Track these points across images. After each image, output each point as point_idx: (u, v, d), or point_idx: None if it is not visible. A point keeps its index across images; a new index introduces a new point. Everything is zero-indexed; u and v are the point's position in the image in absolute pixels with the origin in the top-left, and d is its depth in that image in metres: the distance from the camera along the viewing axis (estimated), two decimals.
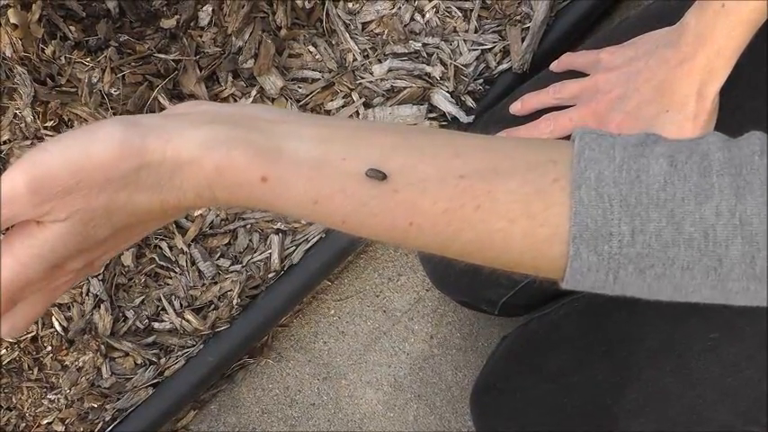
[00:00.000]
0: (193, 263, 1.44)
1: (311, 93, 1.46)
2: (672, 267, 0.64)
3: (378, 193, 0.68)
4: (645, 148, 0.67)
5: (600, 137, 0.68)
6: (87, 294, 1.42)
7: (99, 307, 1.42)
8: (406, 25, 1.48)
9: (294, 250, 1.45)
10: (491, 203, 0.67)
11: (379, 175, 0.67)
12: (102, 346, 1.42)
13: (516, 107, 1.24)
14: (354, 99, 1.45)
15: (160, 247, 1.44)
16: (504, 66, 1.47)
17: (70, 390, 1.43)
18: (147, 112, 1.40)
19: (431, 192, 0.68)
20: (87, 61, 1.41)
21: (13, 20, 1.37)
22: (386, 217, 0.68)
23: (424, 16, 1.49)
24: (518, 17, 1.48)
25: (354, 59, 1.47)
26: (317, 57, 1.48)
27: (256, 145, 0.69)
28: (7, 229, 0.68)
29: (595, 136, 0.68)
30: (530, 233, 0.66)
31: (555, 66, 1.25)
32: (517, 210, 0.66)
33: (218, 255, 1.46)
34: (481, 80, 1.47)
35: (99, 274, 1.41)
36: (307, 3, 1.46)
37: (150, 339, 1.44)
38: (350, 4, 1.49)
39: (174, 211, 0.71)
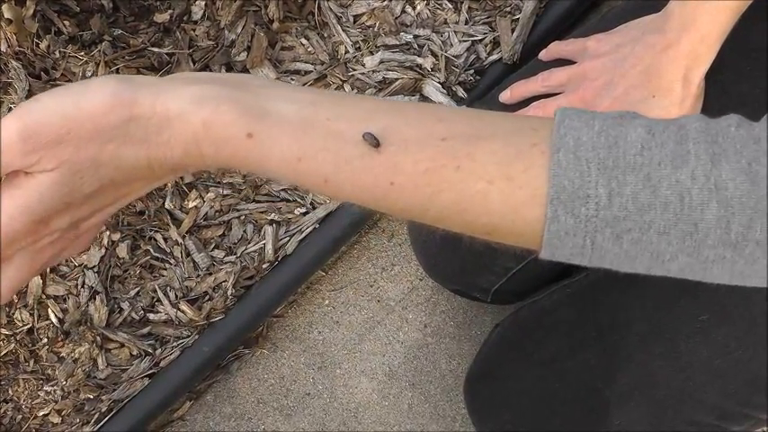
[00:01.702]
0: (188, 254, 1.45)
1: (304, 85, 1.46)
2: (648, 232, 0.64)
3: (361, 152, 0.69)
4: (623, 119, 0.67)
5: (580, 111, 0.69)
6: (83, 286, 1.43)
7: (94, 299, 1.43)
8: (397, 17, 1.49)
9: (288, 241, 1.46)
10: (471, 164, 0.67)
11: (373, 141, 0.68)
12: (98, 338, 1.43)
13: (506, 96, 1.24)
14: (346, 91, 1.46)
15: (155, 239, 1.45)
16: (495, 56, 1.48)
17: (66, 381, 1.43)
18: None
19: (412, 152, 0.68)
20: (81, 55, 1.42)
21: (7, 15, 1.38)
22: (368, 176, 0.69)
23: (414, 8, 1.50)
24: (508, 8, 1.49)
25: (346, 51, 1.48)
26: (309, 49, 1.49)
27: (244, 103, 0.70)
28: None
29: (576, 110, 0.69)
30: (508, 194, 0.66)
31: (543, 54, 1.26)
32: (496, 171, 0.67)
33: (213, 246, 1.46)
34: (472, 71, 1.47)
35: (94, 266, 1.42)
36: None
37: (145, 330, 1.45)
38: None
39: (160, 169, 0.72)
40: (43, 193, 0.69)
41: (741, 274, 0.66)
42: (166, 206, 1.45)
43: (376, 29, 1.49)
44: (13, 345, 1.43)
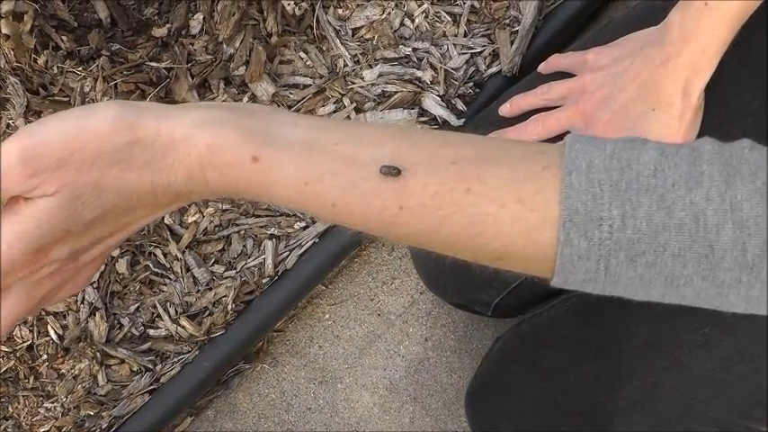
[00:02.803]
0: (188, 269, 1.45)
1: (303, 99, 1.47)
2: (663, 255, 0.63)
3: (368, 175, 0.68)
4: (635, 143, 0.67)
5: (591, 136, 0.68)
6: (82, 302, 1.43)
7: (94, 315, 1.43)
8: (395, 30, 1.49)
9: (288, 255, 1.46)
10: (481, 187, 0.66)
11: (392, 171, 0.67)
12: (98, 354, 1.43)
13: (505, 109, 1.24)
14: (346, 104, 1.46)
15: (154, 254, 1.45)
16: (494, 69, 1.48)
17: (66, 398, 1.43)
18: None
19: (421, 175, 0.67)
20: (79, 71, 1.42)
21: (5, 30, 1.38)
22: (376, 200, 0.68)
23: (413, 21, 1.50)
24: (507, 21, 1.49)
25: (345, 65, 1.48)
26: (307, 63, 1.49)
27: (250, 127, 0.69)
28: None
29: (586, 135, 0.68)
30: (519, 218, 0.66)
31: (543, 67, 1.26)
32: (507, 194, 0.66)
33: (213, 261, 1.46)
34: (471, 83, 1.47)
35: (94, 282, 1.42)
36: (297, 9, 1.47)
37: (146, 346, 1.45)
38: (340, 11, 1.50)
39: (163, 196, 0.71)
40: (42, 219, 0.68)
41: (758, 300, 0.65)
42: (166, 221, 1.44)
43: (375, 42, 1.49)
44: (12, 362, 1.43)
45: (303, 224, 1.46)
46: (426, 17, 1.50)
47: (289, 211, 1.46)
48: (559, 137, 1.17)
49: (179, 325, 1.44)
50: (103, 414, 1.44)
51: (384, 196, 0.68)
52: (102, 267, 1.42)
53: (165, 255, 1.45)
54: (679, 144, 0.66)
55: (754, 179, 0.63)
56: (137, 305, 1.45)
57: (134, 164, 0.68)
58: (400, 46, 1.47)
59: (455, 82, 1.46)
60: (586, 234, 0.64)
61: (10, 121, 1.41)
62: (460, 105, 1.46)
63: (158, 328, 1.45)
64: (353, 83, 1.47)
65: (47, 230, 0.68)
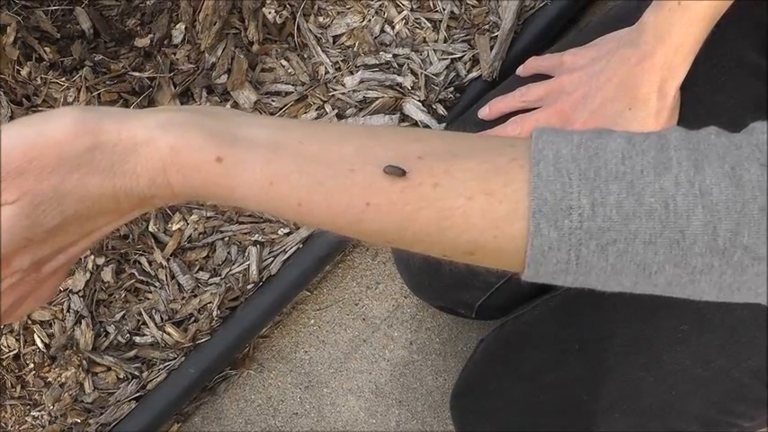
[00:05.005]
0: (173, 276, 1.46)
1: (285, 106, 1.47)
2: (634, 242, 0.63)
3: (334, 172, 0.67)
4: (601, 132, 0.67)
5: (557, 128, 0.68)
6: (68, 311, 1.43)
7: (80, 323, 1.43)
8: (376, 37, 1.50)
9: (272, 261, 1.47)
10: (449, 181, 0.66)
11: (397, 171, 0.66)
12: (85, 362, 1.43)
13: (484, 112, 1.25)
14: (328, 111, 1.47)
15: (139, 262, 1.46)
16: (474, 74, 1.49)
17: (53, 406, 1.43)
18: None
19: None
20: (63, 81, 1.43)
21: None
22: (342, 197, 0.67)
23: (393, 28, 1.51)
24: (486, 26, 1.50)
25: (326, 72, 1.49)
26: (289, 70, 1.49)
27: (213, 128, 0.68)
28: None
29: (553, 128, 0.68)
30: (489, 210, 0.65)
31: (521, 70, 1.27)
32: (475, 187, 0.65)
33: (197, 268, 1.47)
34: (452, 88, 1.48)
35: (79, 290, 1.42)
36: (278, 18, 1.48)
37: (132, 353, 1.45)
38: (320, 18, 1.51)
39: (126, 201, 0.69)
40: (3, 228, 0.66)
41: (729, 287, 0.64)
42: (150, 229, 1.45)
43: (355, 49, 1.50)
44: None
45: (287, 230, 1.47)
46: (406, 24, 1.51)
47: (272, 217, 1.47)
48: None
49: (165, 332, 1.45)
50: (90, 421, 1.44)
51: (350, 193, 0.67)
52: (88, 276, 1.43)
53: (149, 262, 1.46)
54: (646, 132, 0.67)
55: (722, 163, 0.63)
56: (122, 313, 1.45)
57: (95, 168, 0.67)
58: (381, 52, 1.48)
59: (436, 87, 1.47)
60: (556, 224, 0.63)
61: None
62: (441, 110, 1.47)
63: (144, 335, 1.46)
64: (335, 89, 1.48)
65: (8, 239, 0.66)
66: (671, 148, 0.64)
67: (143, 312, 1.45)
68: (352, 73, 1.48)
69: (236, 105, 1.46)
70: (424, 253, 0.71)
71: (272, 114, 1.46)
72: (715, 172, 0.62)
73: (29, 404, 1.44)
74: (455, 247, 0.68)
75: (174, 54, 1.47)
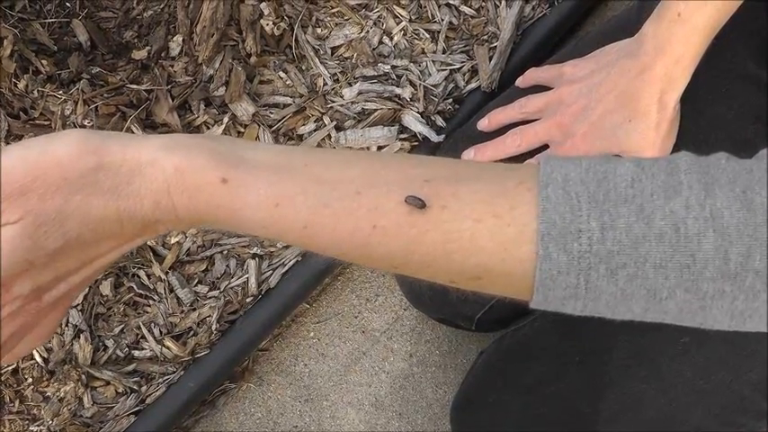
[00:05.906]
0: (171, 290, 1.45)
1: (283, 118, 1.47)
2: (644, 266, 0.62)
3: (340, 195, 0.66)
4: (609, 158, 0.66)
5: (565, 156, 0.67)
6: (67, 325, 1.43)
7: (79, 337, 1.43)
8: (374, 48, 1.50)
9: (271, 274, 1.46)
10: (457, 204, 0.65)
11: (417, 203, 0.65)
12: (83, 376, 1.42)
13: (484, 123, 1.25)
14: (326, 123, 1.47)
15: (138, 276, 1.45)
16: (473, 85, 1.49)
17: (52, 421, 1.43)
18: None
19: (395, 193, 0.66)
20: (60, 94, 1.43)
21: None
22: (348, 220, 0.66)
23: (392, 39, 1.51)
24: (485, 37, 1.50)
25: (325, 84, 1.49)
26: (287, 82, 1.49)
27: (218, 149, 0.68)
28: None
29: (561, 156, 0.67)
30: (497, 232, 0.64)
31: (520, 81, 1.27)
32: (483, 210, 0.65)
33: (196, 281, 1.46)
34: (450, 100, 1.48)
35: (78, 304, 1.42)
36: (276, 29, 1.47)
37: (131, 367, 1.45)
38: (319, 30, 1.51)
39: (129, 224, 0.68)
40: (4, 249, 0.65)
41: (741, 315, 0.63)
42: (149, 242, 1.44)
43: (354, 60, 1.49)
44: None
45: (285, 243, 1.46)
46: (405, 35, 1.51)
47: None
48: (537, 150, 1.18)
49: (164, 346, 1.44)
50: None
51: (357, 216, 0.66)
52: (87, 290, 1.42)
53: (148, 276, 1.45)
54: (655, 158, 0.66)
55: (732, 187, 0.62)
56: (121, 327, 1.45)
57: (99, 190, 0.66)
58: (379, 64, 1.48)
59: (434, 98, 1.47)
60: (565, 247, 0.62)
61: None
62: (440, 121, 1.47)
63: (143, 349, 1.45)
64: (333, 101, 1.48)
65: (9, 261, 0.65)
66: (681, 171, 0.63)
67: (142, 326, 1.45)
68: (350, 84, 1.48)
69: (234, 117, 1.46)
70: (431, 279, 0.70)
71: (270, 127, 1.46)
72: (726, 195, 0.62)
73: (27, 419, 1.44)
74: (462, 272, 0.67)
75: (172, 66, 1.47)
